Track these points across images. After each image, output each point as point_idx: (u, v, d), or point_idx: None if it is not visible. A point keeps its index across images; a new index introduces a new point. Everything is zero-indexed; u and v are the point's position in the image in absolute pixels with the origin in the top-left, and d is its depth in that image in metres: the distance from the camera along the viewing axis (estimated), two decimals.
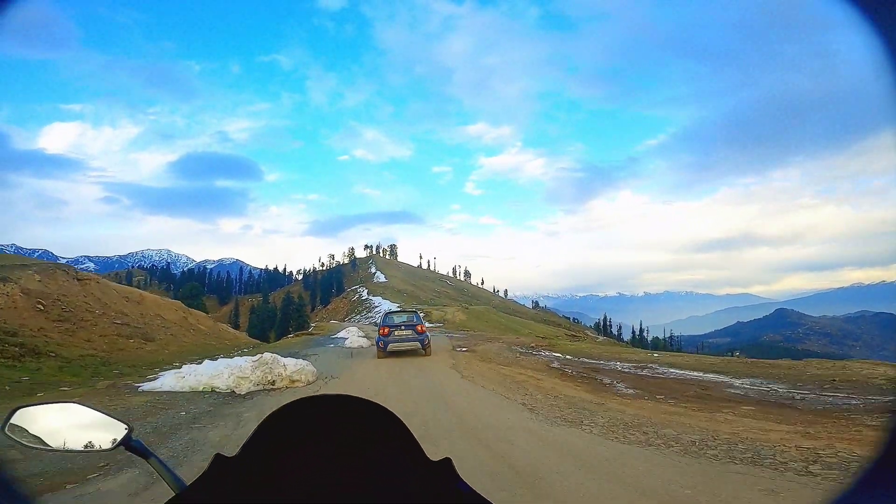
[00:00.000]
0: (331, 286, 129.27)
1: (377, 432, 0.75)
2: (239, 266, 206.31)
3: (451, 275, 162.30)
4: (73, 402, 1.01)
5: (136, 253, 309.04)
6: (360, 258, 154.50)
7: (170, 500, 0.74)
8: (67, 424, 0.98)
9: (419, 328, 14.74)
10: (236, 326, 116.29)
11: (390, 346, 14.10)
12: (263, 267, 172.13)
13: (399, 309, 29.64)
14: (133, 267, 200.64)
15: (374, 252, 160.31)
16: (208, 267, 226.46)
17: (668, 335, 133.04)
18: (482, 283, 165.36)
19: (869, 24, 0.64)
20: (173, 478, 0.91)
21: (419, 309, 55.48)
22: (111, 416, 1.00)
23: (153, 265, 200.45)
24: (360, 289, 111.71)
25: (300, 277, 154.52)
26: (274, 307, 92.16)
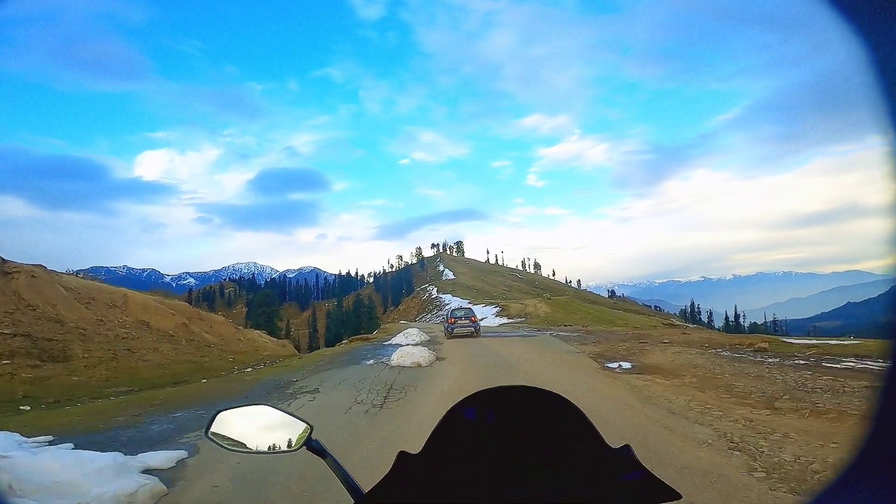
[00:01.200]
0: (401, 287, 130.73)
1: (557, 422, 0.75)
2: (316, 273, 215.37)
3: (520, 268, 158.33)
4: (263, 405, 1.10)
5: (228, 267, 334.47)
6: (427, 257, 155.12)
7: (361, 500, 0.78)
8: (258, 426, 1.06)
9: (472, 318, 20.21)
10: (314, 331, 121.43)
11: (455, 331, 19.39)
12: (337, 272, 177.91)
13: (461, 307, 31.66)
14: (225, 280, 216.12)
15: (441, 250, 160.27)
16: (289, 276, 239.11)
17: (769, 319, 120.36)
18: (553, 275, 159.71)
19: None
20: (348, 479, 0.94)
21: (492, 303, 54.24)
22: (294, 416, 1.07)
23: (241, 277, 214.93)
24: (430, 287, 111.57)
25: (371, 280, 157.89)
26: (347, 311, 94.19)
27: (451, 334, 19.01)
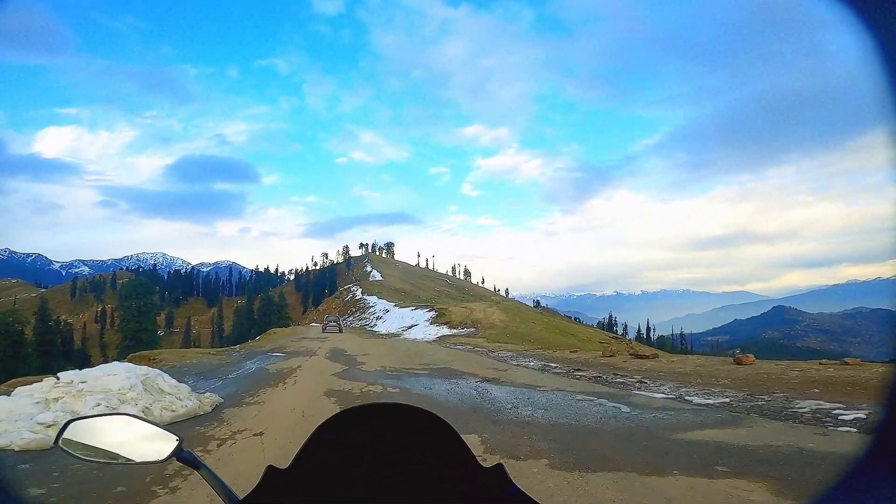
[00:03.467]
0: (324, 286, 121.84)
1: (428, 440, 0.74)
2: (230, 268, 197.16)
3: (450, 273, 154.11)
4: (125, 414, 1.01)
5: (132, 256, 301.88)
6: (354, 257, 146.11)
7: None
8: (120, 436, 0.96)
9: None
10: (220, 329, 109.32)
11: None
12: (252, 267, 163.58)
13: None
14: (123, 269, 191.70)
15: (370, 251, 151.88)
16: (202, 270, 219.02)
17: (676, 332, 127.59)
18: (483, 283, 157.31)
19: (860, 23, 0.64)
20: (224, 489, 0.88)
21: (424, 306, 47.53)
22: (162, 428, 0.98)
23: (140, 267, 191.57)
24: (354, 288, 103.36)
25: (291, 278, 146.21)
26: (257, 309, 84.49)
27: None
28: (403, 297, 79.86)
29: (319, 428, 0.74)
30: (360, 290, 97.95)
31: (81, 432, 0.94)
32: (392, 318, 42.22)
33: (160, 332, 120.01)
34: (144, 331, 52.50)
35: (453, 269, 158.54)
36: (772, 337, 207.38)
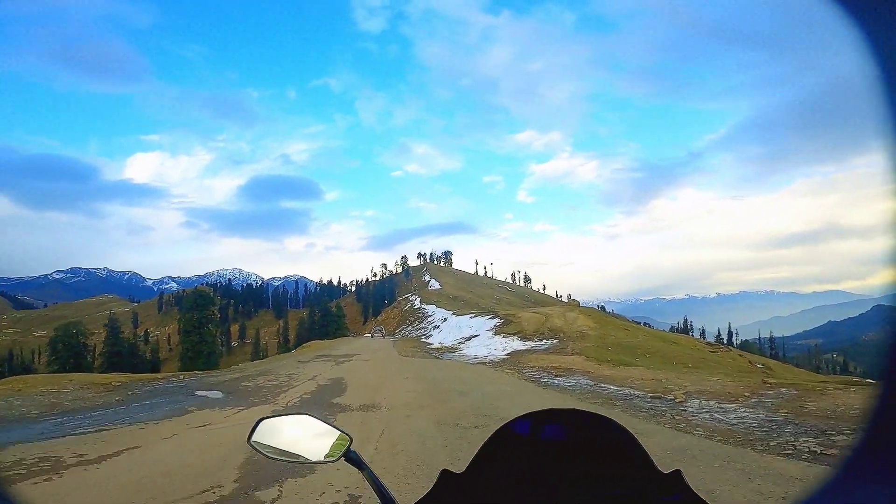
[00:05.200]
0: (383, 296, 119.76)
1: (607, 446, 0.72)
2: (296, 281, 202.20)
3: (509, 280, 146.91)
4: (305, 414, 1.07)
5: (213, 273, 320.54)
6: (413, 267, 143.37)
7: None
8: (300, 435, 1.04)
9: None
10: (287, 339, 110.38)
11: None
12: (319, 281, 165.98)
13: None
14: (204, 284, 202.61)
15: (428, 261, 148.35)
16: (273, 283, 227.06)
17: (763, 336, 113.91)
18: (544, 289, 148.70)
19: None
20: (384, 492, 0.90)
21: (485, 313, 41.92)
22: (335, 427, 1.04)
23: (217, 282, 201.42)
24: (413, 297, 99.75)
25: (353, 289, 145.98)
26: (315, 319, 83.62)
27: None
28: (462, 305, 74.69)
29: (496, 433, 0.73)
30: (418, 299, 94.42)
31: (268, 430, 1.02)
32: (449, 328, 36.68)
33: (234, 344, 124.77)
34: (203, 342, 51.93)
35: (512, 276, 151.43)
36: (874, 339, 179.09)
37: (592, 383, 10.16)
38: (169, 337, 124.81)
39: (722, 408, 7.02)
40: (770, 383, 8.22)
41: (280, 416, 1.06)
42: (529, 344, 19.36)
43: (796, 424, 5.72)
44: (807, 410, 6.22)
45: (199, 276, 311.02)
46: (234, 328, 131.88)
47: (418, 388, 9.73)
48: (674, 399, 7.84)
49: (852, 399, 6.26)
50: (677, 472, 0.71)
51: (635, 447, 0.71)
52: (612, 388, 9.53)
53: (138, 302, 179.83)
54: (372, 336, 48.68)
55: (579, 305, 34.77)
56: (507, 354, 16.89)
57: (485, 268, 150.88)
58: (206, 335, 52.76)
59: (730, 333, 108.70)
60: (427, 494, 0.71)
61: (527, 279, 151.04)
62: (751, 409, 6.72)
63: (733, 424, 6.11)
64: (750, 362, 27.76)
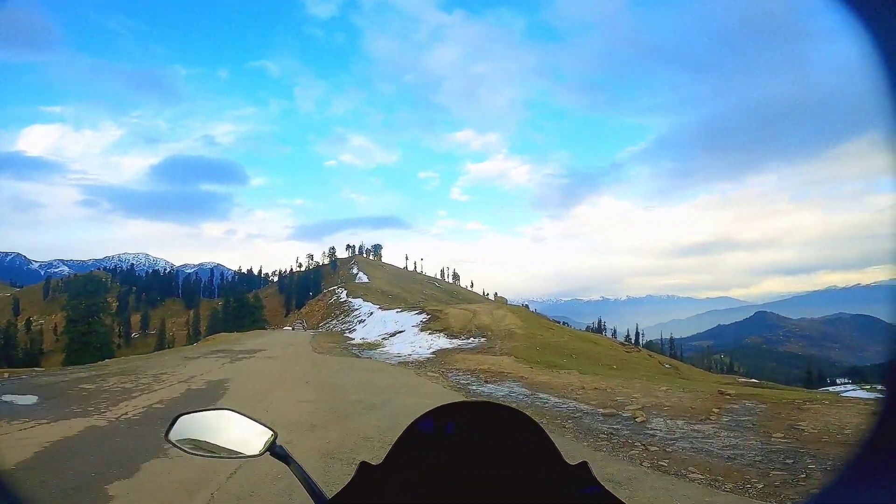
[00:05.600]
0: (308, 288, 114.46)
1: (516, 438, 0.74)
2: (211, 270, 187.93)
3: (439, 277, 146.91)
4: (227, 409, 1.04)
5: (113, 257, 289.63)
6: (341, 259, 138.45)
7: None
8: (221, 430, 1.01)
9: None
10: (197, 331, 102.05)
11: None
12: (236, 269, 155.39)
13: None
14: (101, 269, 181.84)
15: (357, 253, 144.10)
16: (186, 271, 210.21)
17: (664, 337, 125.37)
18: (472, 286, 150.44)
19: (860, 28, 0.57)
20: (312, 485, 0.90)
21: (413, 308, 39.96)
22: (258, 423, 1.02)
23: (117, 267, 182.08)
24: (339, 289, 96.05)
25: (275, 280, 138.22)
26: (229, 310, 77.35)
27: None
28: (391, 300, 72.75)
29: (410, 426, 0.74)
30: (345, 292, 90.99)
31: (187, 426, 0.99)
32: (374, 323, 34.81)
33: (135, 335, 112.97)
34: (94, 333, 46.27)
35: (442, 272, 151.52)
36: (754, 342, 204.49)
37: (529, 392, 8.87)
38: (55, 326, 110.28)
39: (696, 430, 5.92)
40: (729, 395, 7.50)
41: (200, 411, 1.02)
42: (456, 342, 18.18)
43: (815, 456, 4.58)
44: (807, 434, 5.24)
45: (96, 260, 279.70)
46: (137, 318, 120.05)
47: (318, 399, 7.81)
48: (633, 418, 6.64)
49: (842, 416, 5.54)
50: (584, 463, 0.72)
51: (543, 439, 0.73)
52: (553, 399, 8.24)
53: (21, 287, 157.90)
54: (293, 329, 45.75)
55: (507, 303, 34.45)
56: (433, 353, 15.56)
57: (415, 263, 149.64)
58: (97, 325, 47.19)
59: (637, 334, 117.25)
60: (346, 486, 0.73)
61: (455, 276, 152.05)
62: (733, 432, 5.62)
63: (730, 458, 4.79)
64: (660, 363, 28.99)
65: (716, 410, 6.67)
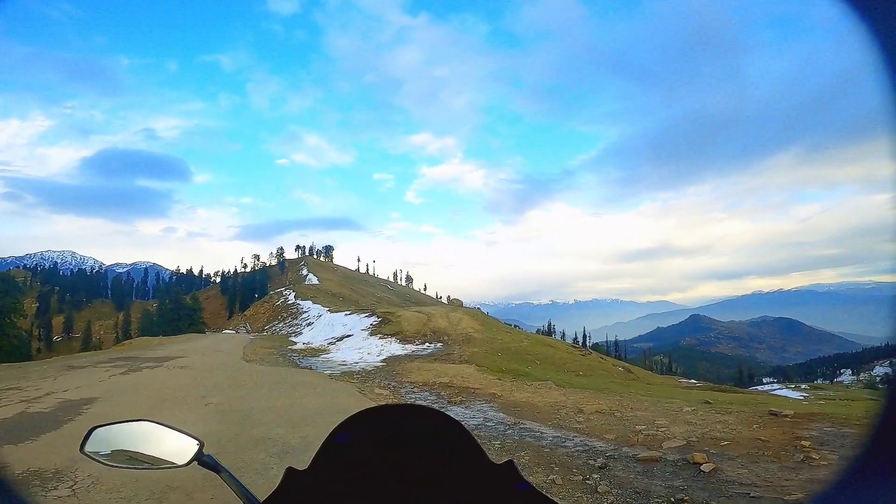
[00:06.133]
0: (253, 290, 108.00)
1: (442, 439, 0.74)
2: (146, 269, 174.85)
3: (391, 279, 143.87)
4: (146, 421, 1.00)
5: (35, 254, 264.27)
6: (289, 260, 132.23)
7: None
8: (141, 442, 0.97)
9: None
10: (127, 334, 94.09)
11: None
12: (175, 269, 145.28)
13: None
14: (20, 268, 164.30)
15: (307, 254, 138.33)
16: (118, 270, 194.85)
17: (609, 340, 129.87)
18: (425, 289, 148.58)
19: (866, 30, 0.56)
20: (244, 492, 0.90)
21: (363, 311, 37.26)
22: (182, 432, 0.98)
23: (38, 266, 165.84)
24: (287, 291, 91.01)
25: (217, 280, 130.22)
26: (164, 313, 71.36)
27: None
28: (341, 302, 69.50)
29: (336, 429, 0.75)
30: (293, 293, 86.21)
31: (104, 439, 0.95)
32: (321, 326, 32.13)
33: (56, 338, 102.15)
34: (4, 336, 40.97)
35: (395, 275, 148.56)
36: (689, 344, 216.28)
37: (510, 419, 6.74)
38: None
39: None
40: (787, 416, 5.78)
41: (116, 423, 0.97)
42: (410, 348, 16.15)
43: None
44: None
45: (16, 258, 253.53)
46: (60, 320, 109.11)
47: (206, 433, 5.14)
48: (691, 463, 4.57)
49: None
50: (510, 462, 0.73)
51: (467, 440, 0.73)
52: (549, 432, 6.05)
53: None
54: (235, 332, 41.75)
55: (462, 306, 32.91)
56: (383, 361, 13.43)
57: (367, 265, 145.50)
58: (9, 328, 42.12)
59: (584, 336, 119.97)
60: (274, 492, 0.72)
61: (409, 279, 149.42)
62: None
63: None
64: (614, 365, 28.41)
65: (805, 444, 4.90)
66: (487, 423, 6.60)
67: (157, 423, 0.98)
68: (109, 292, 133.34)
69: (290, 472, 0.73)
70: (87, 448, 0.93)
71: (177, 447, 0.95)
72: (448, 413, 0.76)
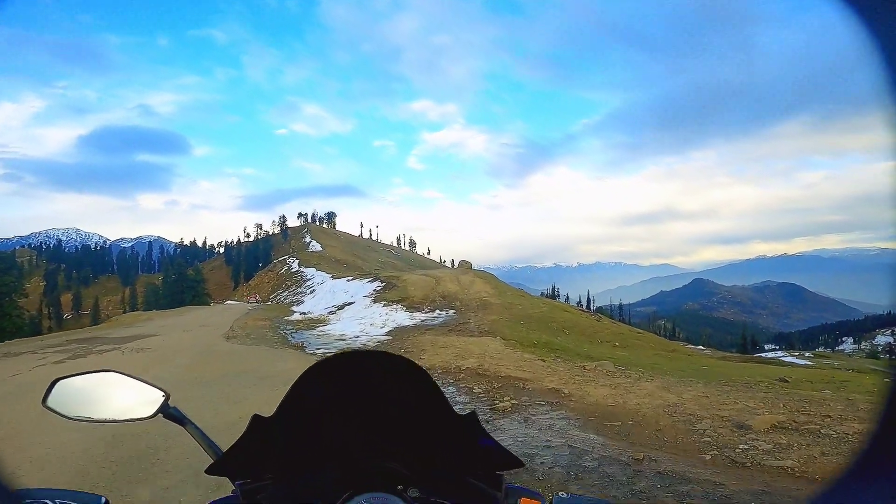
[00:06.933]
0: (257, 259, 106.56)
1: (407, 388, 0.73)
2: (149, 243, 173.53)
3: (395, 245, 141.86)
4: (111, 371, 0.97)
5: (40, 233, 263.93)
6: (292, 228, 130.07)
7: (211, 464, 0.74)
8: (106, 393, 0.94)
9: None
10: (134, 308, 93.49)
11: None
12: (178, 242, 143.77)
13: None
14: (26, 247, 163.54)
15: (310, 221, 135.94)
16: (122, 246, 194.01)
17: (613, 303, 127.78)
18: (428, 253, 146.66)
19: (863, 23, 0.53)
20: (209, 443, 0.89)
21: (365, 276, 34.49)
22: (148, 383, 0.95)
23: (43, 244, 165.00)
24: (291, 259, 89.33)
25: (222, 251, 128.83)
26: (169, 286, 70.11)
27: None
28: (345, 269, 67.63)
29: (303, 375, 0.73)
30: (296, 261, 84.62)
31: (67, 390, 0.92)
32: (323, 294, 30.02)
33: (67, 316, 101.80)
34: (5, 317, 39.56)
35: (398, 239, 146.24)
36: (692, 308, 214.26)
37: (621, 452, 3.83)
38: None
39: None
40: None
41: (80, 374, 0.93)
42: (418, 316, 13.78)
43: None
44: None
45: (21, 237, 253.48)
46: (68, 298, 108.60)
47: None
48: None
49: None
50: (473, 413, 0.72)
51: (433, 389, 0.71)
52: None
53: None
54: (246, 303, 39.74)
55: (472, 268, 30.54)
56: (388, 334, 11.01)
57: (370, 231, 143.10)
58: (9, 307, 40.49)
59: (589, 300, 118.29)
60: (240, 438, 0.71)
61: (412, 243, 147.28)
62: None
63: None
64: (630, 331, 26.34)
65: None
66: (582, 467, 3.61)
67: (123, 373, 0.94)
68: (115, 267, 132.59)
69: (256, 418, 0.71)
70: (50, 402, 0.89)
71: (142, 399, 0.91)
72: (413, 361, 0.71)
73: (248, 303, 48.24)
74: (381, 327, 12.52)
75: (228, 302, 57.51)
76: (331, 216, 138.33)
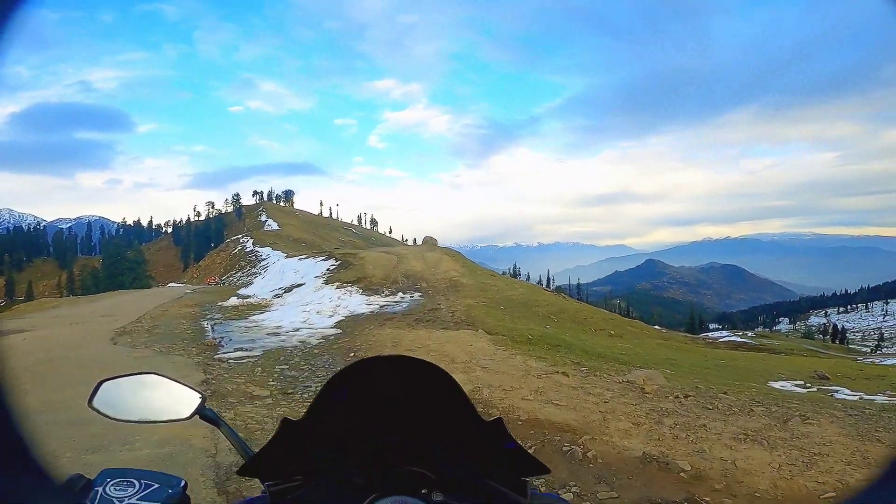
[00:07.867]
0: (209, 239, 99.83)
1: (433, 393, 0.73)
2: (89, 223, 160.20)
3: (356, 223, 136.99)
4: (152, 374, 1.01)
5: None
6: (247, 206, 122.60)
7: (243, 465, 0.76)
8: (147, 395, 0.98)
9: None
10: (73, 293, 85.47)
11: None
12: (121, 221, 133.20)
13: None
14: None
15: (266, 199, 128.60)
16: (60, 227, 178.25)
17: (571, 283, 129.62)
18: (390, 232, 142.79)
19: None
20: (242, 445, 0.92)
21: (320, 254, 30.77)
22: (186, 385, 0.99)
23: None
24: (244, 238, 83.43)
25: (170, 231, 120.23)
26: (107, 268, 64.05)
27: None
28: (303, 248, 63.36)
29: (330, 380, 0.73)
30: (250, 241, 78.90)
31: (111, 392, 0.96)
32: (272, 274, 26.60)
33: (1, 302, 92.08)
34: None
35: (359, 218, 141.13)
36: (644, 288, 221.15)
37: None
38: None
39: None
40: None
41: (123, 376, 0.98)
42: (377, 301, 11.03)
43: None
44: None
45: None
46: (0, 283, 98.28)
47: None
48: None
49: None
50: (499, 419, 0.71)
51: (460, 395, 0.71)
52: None
53: None
54: (194, 286, 35.42)
55: (438, 245, 27.95)
56: (336, 326, 8.15)
57: (330, 209, 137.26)
58: None
59: (549, 280, 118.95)
60: (270, 440, 0.72)
61: (374, 222, 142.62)
62: None
63: None
64: (619, 316, 24.82)
65: None
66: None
67: (163, 375, 0.97)
68: (51, 249, 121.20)
69: (286, 421, 0.72)
70: (95, 402, 0.92)
71: (180, 400, 0.95)
72: (440, 367, 0.71)
73: (208, 285, 44.10)
74: (330, 316, 9.65)
75: (171, 284, 52.61)
76: (289, 194, 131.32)
